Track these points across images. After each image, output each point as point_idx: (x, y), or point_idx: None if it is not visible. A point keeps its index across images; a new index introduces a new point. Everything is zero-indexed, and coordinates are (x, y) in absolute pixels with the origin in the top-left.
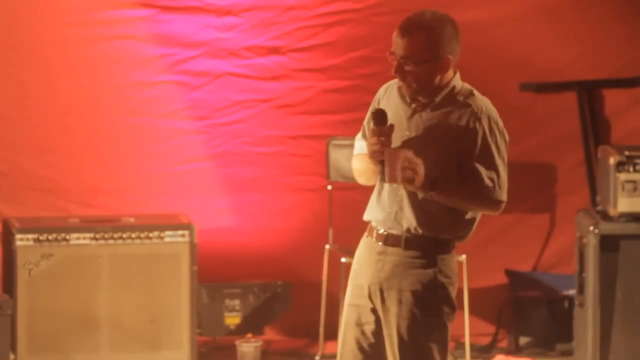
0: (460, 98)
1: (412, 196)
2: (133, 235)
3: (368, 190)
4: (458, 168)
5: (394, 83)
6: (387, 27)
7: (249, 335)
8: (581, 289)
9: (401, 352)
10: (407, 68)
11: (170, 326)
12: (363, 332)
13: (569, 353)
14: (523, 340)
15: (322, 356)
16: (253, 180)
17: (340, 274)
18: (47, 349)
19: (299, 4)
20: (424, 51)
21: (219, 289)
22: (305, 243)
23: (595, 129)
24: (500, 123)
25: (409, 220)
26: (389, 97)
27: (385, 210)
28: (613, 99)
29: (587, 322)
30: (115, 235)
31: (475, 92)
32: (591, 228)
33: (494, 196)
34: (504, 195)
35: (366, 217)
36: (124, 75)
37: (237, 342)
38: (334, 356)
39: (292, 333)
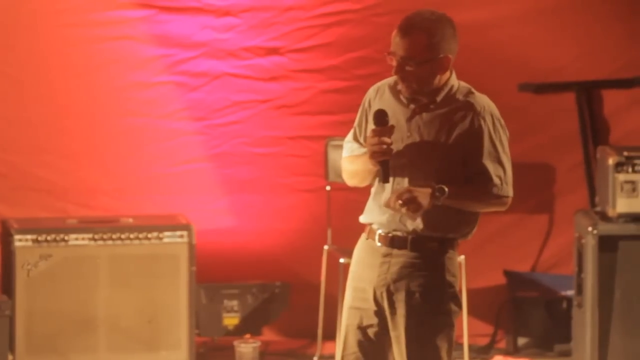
0: (460, 97)
1: None
2: (132, 235)
3: (367, 191)
4: (463, 167)
5: (385, 84)
6: (386, 28)
7: (247, 335)
8: (580, 290)
9: (409, 353)
10: (407, 68)
11: (169, 327)
12: (365, 335)
13: (568, 354)
14: (521, 340)
15: (321, 357)
16: (251, 180)
17: (338, 274)
18: (46, 350)
19: (298, 4)
20: (426, 51)
21: (217, 289)
22: (304, 244)
23: (594, 130)
24: (502, 119)
25: (414, 222)
26: (382, 98)
27: (389, 212)
28: (612, 100)
29: (585, 322)
30: (114, 236)
31: (474, 90)
32: (590, 229)
33: (502, 192)
34: (511, 191)
35: (364, 219)
36: (122, 76)
37: (236, 343)
38: (332, 357)
39: (291, 334)
